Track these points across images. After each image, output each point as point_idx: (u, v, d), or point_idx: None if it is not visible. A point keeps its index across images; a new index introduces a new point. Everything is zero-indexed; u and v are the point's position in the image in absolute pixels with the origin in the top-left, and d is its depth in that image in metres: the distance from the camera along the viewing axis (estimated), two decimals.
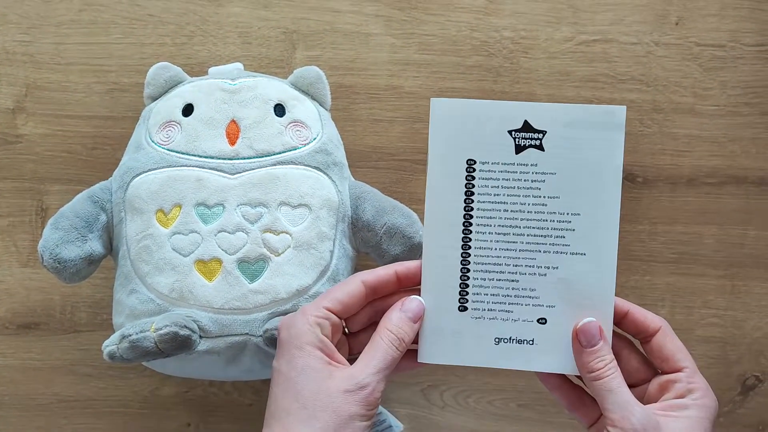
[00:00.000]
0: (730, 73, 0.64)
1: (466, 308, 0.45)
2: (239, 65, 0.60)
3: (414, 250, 0.56)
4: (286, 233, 0.53)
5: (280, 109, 0.56)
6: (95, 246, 0.54)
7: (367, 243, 0.57)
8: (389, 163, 0.65)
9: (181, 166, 0.53)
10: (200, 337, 0.50)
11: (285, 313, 0.52)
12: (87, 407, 0.66)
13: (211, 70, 0.59)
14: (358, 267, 0.60)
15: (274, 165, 0.54)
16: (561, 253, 0.44)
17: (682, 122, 0.64)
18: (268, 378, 0.57)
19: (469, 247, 0.45)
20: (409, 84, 0.65)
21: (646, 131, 0.64)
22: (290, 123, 0.56)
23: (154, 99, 0.57)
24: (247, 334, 0.51)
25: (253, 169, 0.54)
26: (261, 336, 0.51)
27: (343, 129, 0.61)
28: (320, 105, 0.59)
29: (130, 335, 0.49)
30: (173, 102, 0.56)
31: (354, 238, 0.57)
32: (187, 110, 0.55)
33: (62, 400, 0.66)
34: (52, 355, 0.65)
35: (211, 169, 0.53)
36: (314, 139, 0.56)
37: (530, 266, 0.44)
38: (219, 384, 0.66)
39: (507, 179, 0.44)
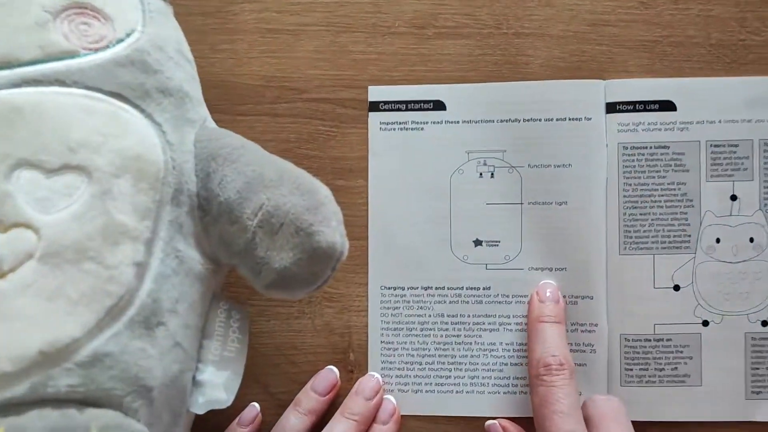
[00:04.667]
0: None
1: None
2: None
3: (317, 260, 0.27)
4: (27, 228, 0.24)
5: None
6: None
7: (229, 245, 0.28)
8: (294, 105, 0.37)
9: None
10: None
11: (15, 407, 0.23)
12: None
13: None
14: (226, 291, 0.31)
15: (18, 86, 0.26)
16: None
17: None
18: None
19: None
20: None
21: None
22: (67, 8, 0.28)
23: None
24: None
25: None
26: None
27: (214, 46, 0.35)
28: None
29: None
30: None
31: (205, 235, 0.29)
32: None
33: None
34: None
35: None
36: (120, 40, 0.28)
37: None
38: None
39: None
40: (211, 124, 0.32)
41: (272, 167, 0.29)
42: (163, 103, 0.29)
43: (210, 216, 0.29)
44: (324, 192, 0.28)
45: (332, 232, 0.27)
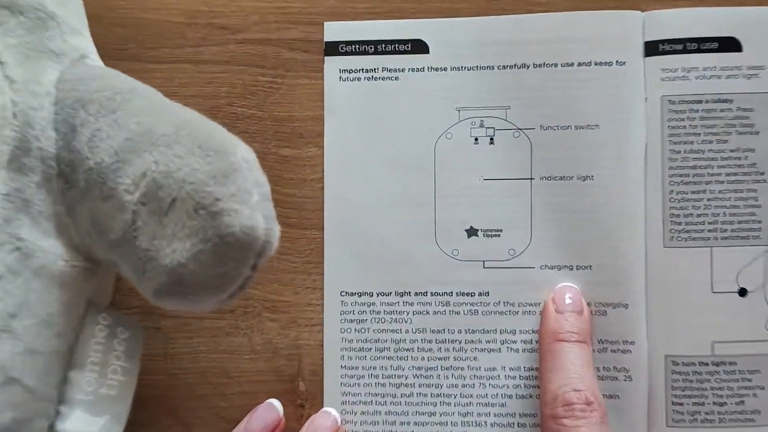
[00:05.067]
0: None
1: None
2: None
3: (227, 252, 0.18)
4: None
5: None
6: None
7: (104, 232, 0.19)
8: (226, 48, 0.27)
9: None
10: None
11: None
12: None
13: None
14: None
15: None
16: None
17: None
18: None
19: None
20: None
21: None
22: None
23: None
24: None
25: None
26: None
27: None
28: None
29: None
30: None
31: (70, 216, 0.20)
32: None
33: None
34: None
35: None
36: None
37: None
38: None
39: None
40: (96, 62, 0.23)
41: (167, 118, 0.20)
42: (7, 24, 0.20)
43: (76, 189, 0.20)
44: (242, 153, 0.19)
45: (250, 211, 0.18)
